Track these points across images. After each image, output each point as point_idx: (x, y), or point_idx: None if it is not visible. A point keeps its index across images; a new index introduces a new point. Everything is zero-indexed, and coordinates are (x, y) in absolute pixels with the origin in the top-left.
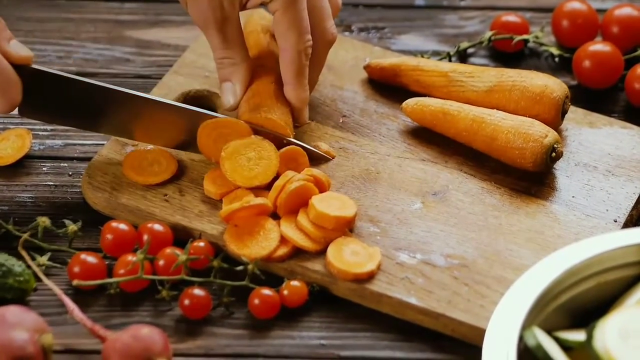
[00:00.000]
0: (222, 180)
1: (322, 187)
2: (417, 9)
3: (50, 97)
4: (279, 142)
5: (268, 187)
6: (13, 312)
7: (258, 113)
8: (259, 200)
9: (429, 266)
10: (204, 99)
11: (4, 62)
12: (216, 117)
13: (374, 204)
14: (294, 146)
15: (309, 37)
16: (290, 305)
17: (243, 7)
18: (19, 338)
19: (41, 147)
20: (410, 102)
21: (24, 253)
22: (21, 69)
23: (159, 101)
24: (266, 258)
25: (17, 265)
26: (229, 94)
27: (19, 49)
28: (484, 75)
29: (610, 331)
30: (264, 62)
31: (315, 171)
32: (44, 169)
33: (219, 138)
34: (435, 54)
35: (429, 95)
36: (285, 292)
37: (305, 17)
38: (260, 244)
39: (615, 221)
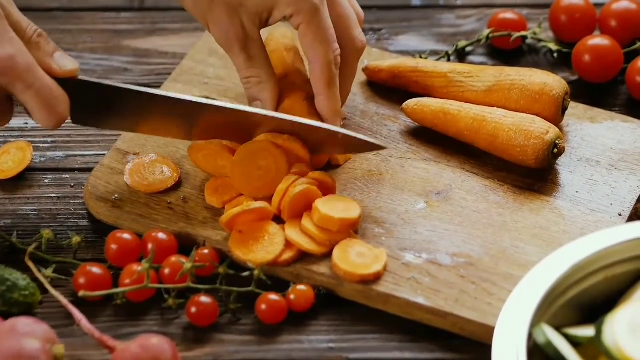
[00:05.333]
0: (223, 188)
1: (328, 189)
2: (414, 9)
3: (98, 105)
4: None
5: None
6: (24, 322)
7: None
8: (260, 204)
9: (435, 265)
10: None
11: (48, 80)
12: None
13: (378, 205)
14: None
15: (337, 45)
16: (297, 309)
17: (265, 24)
18: (30, 347)
19: (42, 159)
20: (411, 103)
21: (31, 264)
22: (68, 81)
23: (200, 103)
24: (272, 263)
25: (21, 279)
26: None
27: (64, 62)
28: (482, 75)
29: (619, 325)
30: (292, 79)
31: (320, 174)
32: (45, 181)
33: (208, 155)
34: (434, 53)
35: (429, 96)
36: (292, 297)
37: (330, 26)
38: (266, 249)
39: (620, 215)
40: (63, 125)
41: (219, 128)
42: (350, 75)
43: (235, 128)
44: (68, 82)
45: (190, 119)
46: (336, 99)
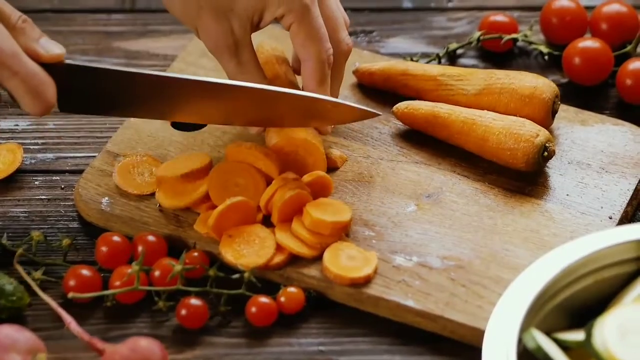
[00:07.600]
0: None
1: (325, 189)
2: (405, 11)
3: (87, 89)
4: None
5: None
6: (5, 333)
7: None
8: (240, 198)
9: (426, 268)
10: None
11: (32, 66)
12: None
13: (368, 208)
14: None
15: (329, 45)
16: (288, 311)
17: (256, 28)
18: None
19: (32, 161)
20: (401, 106)
21: (19, 268)
22: (54, 66)
23: (194, 80)
24: (263, 266)
25: (8, 284)
26: None
27: (49, 47)
28: (472, 78)
29: (609, 329)
30: None
31: (319, 174)
32: (36, 182)
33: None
34: (425, 56)
35: (419, 99)
36: (282, 299)
37: (321, 25)
38: (257, 253)
39: (611, 218)
40: (54, 127)
41: (207, 108)
42: (337, 77)
43: (221, 107)
44: (54, 68)
45: (178, 98)
46: None
